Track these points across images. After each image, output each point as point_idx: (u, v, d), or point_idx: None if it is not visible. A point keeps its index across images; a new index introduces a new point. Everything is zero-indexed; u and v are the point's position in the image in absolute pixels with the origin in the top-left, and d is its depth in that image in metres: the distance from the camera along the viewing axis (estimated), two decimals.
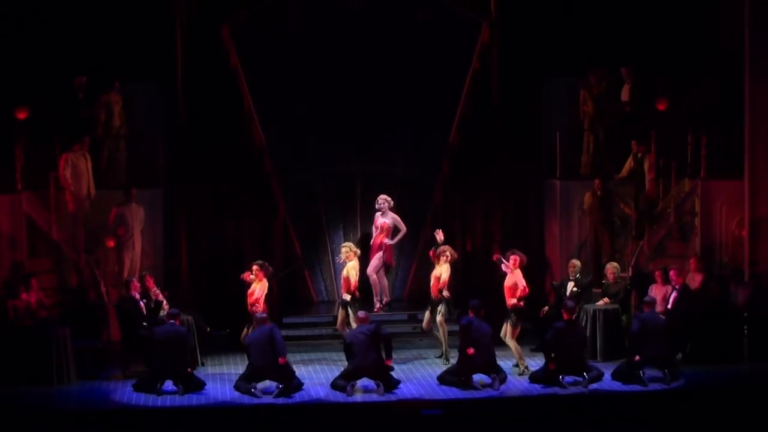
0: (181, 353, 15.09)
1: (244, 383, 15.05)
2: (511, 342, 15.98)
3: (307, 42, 18.45)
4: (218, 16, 18.27)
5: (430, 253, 16.69)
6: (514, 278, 16.03)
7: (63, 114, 17.90)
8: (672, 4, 19.05)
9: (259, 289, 15.96)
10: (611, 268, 17.22)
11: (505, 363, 15.98)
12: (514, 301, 15.93)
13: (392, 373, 15.33)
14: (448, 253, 16.50)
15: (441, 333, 16.61)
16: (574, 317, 15.72)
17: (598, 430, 14.69)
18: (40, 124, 17.62)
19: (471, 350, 15.16)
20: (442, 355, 16.64)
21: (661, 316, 16.01)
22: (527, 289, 16.03)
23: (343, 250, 16.69)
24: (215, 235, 18.55)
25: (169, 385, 15.07)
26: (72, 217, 17.46)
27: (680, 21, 19.02)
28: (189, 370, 15.13)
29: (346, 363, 15.37)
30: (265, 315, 15.48)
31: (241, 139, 18.46)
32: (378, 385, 15.00)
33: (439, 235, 16.71)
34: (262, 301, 15.90)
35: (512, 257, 16.11)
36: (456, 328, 16.15)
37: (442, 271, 16.46)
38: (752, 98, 17.62)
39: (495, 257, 16.34)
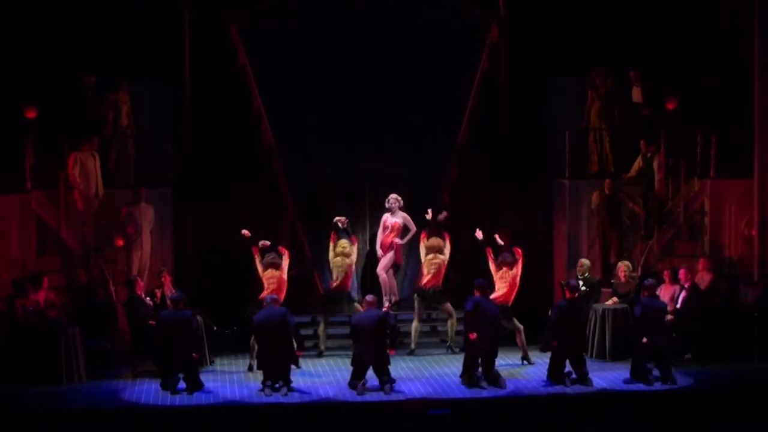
0: (186, 337, 15.10)
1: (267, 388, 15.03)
2: None
3: (315, 41, 18.44)
4: (226, 15, 18.28)
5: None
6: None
7: (72, 113, 17.94)
8: (681, 4, 19.03)
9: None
10: (623, 267, 17.17)
11: (510, 361, 15.99)
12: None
13: (399, 371, 15.37)
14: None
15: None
16: (576, 296, 15.62)
17: (605, 430, 14.67)
18: (49, 123, 17.66)
19: (473, 335, 15.15)
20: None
21: (661, 300, 16.01)
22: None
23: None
24: (223, 234, 18.56)
25: (182, 384, 15.11)
26: (81, 216, 17.51)
27: (689, 20, 19.01)
28: (194, 355, 15.12)
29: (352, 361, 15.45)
30: (276, 296, 15.48)
31: (249, 138, 18.47)
32: (383, 383, 14.99)
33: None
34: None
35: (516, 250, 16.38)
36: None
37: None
38: (762, 97, 17.61)
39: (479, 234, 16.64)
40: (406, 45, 18.48)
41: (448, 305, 16.96)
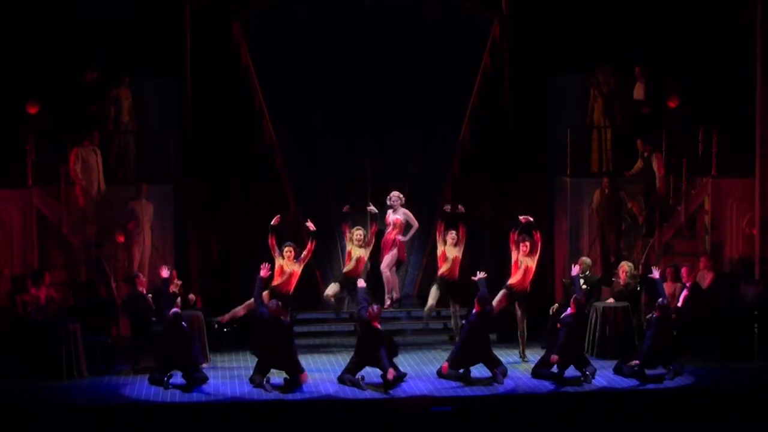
0: (184, 348, 15.15)
1: (258, 376, 15.08)
2: None
3: (317, 39, 18.43)
4: (228, 12, 18.26)
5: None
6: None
7: (73, 109, 17.95)
8: (684, 2, 19.03)
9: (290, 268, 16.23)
10: (625, 267, 17.13)
11: (505, 359, 16.02)
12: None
13: (399, 366, 15.48)
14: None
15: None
16: (577, 311, 15.65)
17: (606, 429, 14.67)
18: (51, 118, 17.67)
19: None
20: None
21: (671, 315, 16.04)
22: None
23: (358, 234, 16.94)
24: (225, 231, 18.58)
25: (176, 379, 15.10)
26: (82, 211, 17.51)
27: (692, 19, 19.01)
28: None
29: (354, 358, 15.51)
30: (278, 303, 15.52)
31: (251, 135, 18.46)
32: (383, 378, 15.02)
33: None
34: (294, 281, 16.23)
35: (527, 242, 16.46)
36: None
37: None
38: (763, 95, 17.57)
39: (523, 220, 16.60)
40: (408, 42, 18.47)
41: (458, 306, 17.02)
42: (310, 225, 16.64)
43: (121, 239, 17.51)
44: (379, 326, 15.30)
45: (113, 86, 18.14)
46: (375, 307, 15.41)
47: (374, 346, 15.12)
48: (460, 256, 16.87)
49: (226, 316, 16.51)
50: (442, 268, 16.88)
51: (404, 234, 17.66)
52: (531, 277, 16.47)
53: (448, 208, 17.08)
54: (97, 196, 17.60)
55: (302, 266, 16.43)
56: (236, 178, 18.53)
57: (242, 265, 18.18)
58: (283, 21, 18.46)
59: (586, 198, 18.68)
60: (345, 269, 17.00)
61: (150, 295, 16.24)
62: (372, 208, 17.28)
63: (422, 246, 18.44)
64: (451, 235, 16.84)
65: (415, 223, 17.59)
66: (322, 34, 18.43)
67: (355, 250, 16.92)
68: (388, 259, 17.63)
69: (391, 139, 18.73)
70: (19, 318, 15.88)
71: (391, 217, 17.68)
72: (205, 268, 18.46)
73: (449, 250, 16.85)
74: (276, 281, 16.23)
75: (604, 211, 18.31)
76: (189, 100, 18.35)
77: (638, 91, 18.98)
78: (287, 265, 16.31)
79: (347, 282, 16.90)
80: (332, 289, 17.00)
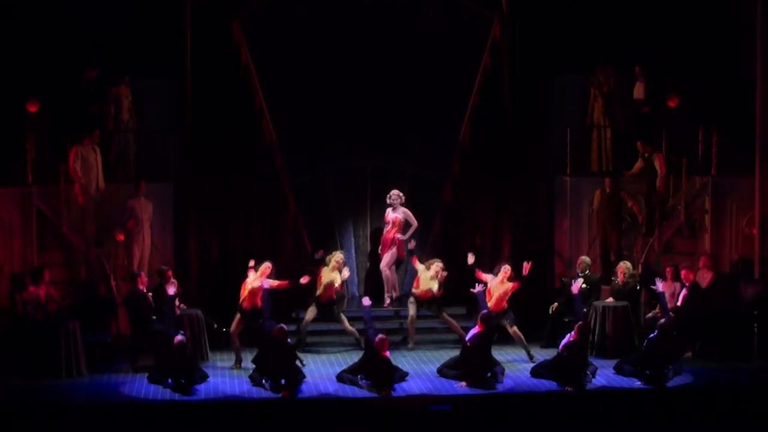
0: (187, 368, 15.09)
1: (257, 375, 15.07)
2: None
3: (317, 38, 18.43)
4: (228, 11, 18.26)
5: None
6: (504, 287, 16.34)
7: (73, 107, 17.95)
8: (684, 2, 19.04)
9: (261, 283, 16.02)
10: (623, 267, 17.15)
11: (504, 357, 16.00)
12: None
13: (399, 365, 15.47)
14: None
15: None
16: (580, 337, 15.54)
17: (606, 429, 14.67)
18: (51, 117, 17.67)
19: (463, 384, 15.17)
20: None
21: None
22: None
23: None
24: (224, 231, 18.56)
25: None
26: (81, 210, 17.51)
27: (692, 19, 19.03)
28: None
29: (352, 359, 15.55)
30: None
31: (252, 134, 18.45)
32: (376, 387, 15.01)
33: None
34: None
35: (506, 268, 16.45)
36: None
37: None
38: (764, 94, 17.58)
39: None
40: (408, 42, 18.47)
41: (444, 314, 16.98)
42: (319, 254, 16.79)
43: (121, 238, 17.49)
44: (387, 355, 15.11)
45: (113, 85, 18.14)
46: (383, 338, 15.11)
47: (378, 372, 15.04)
48: (434, 290, 16.79)
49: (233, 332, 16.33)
50: (416, 290, 16.95)
51: (403, 233, 17.68)
52: (507, 298, 16.39)
53: (412, 244, 17.28)
54: (96, 194, 17.60)
55: (268, 289, 15.96)
56: (236, 178, 18.51)
57: (242, 265, 18.13)
58: (283, 21, 18.46)
59: (586, 198, 18.69)
60: (317, 293, 16.91)
61: (150, 293, 16.23)
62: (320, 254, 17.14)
63: (422, 245, 18.42)
64: (435, 266, 16.78)
65: (414, 222, 17.63)
66: (321, 34, 18.43)
67: (326, 275, 16.77)
68: (387, 257, 17.67)
69: (391, 139, 18.72)
70: (19, 316, 15.88)
71: (391, 215, 17.73)
72: (205, 267, 18.44)
73: (427, 280, 16.81)
74: (242, 297, 16.15)
75: (605, 211, 18.31)
76: (189, 100, 18.33)
77: (638, 91, 18.99)
78: (252, 280, 16.08)
79: (320, 305, 16.84)
80: (310, 314, 16.89)
